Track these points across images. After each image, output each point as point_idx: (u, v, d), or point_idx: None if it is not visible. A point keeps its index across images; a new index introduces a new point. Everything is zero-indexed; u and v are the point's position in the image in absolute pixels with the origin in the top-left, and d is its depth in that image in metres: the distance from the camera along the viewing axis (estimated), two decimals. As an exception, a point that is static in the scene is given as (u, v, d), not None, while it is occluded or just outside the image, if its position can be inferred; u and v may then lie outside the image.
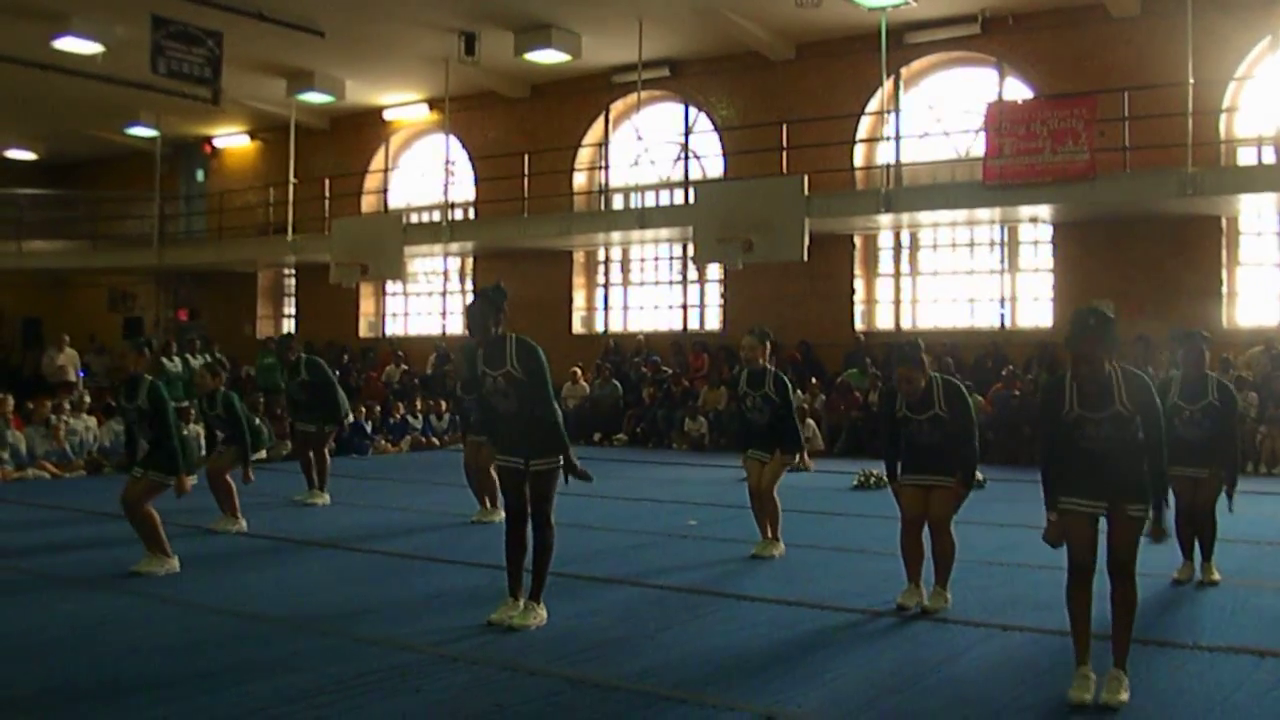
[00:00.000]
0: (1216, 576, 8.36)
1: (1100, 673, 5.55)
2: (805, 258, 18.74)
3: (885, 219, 20.46)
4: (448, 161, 25.20)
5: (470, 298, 7.62)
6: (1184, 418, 8.30)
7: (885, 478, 7.87)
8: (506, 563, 7.19)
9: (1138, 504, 5.58)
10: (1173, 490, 8.54)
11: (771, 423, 9.44)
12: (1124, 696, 5.44)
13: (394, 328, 29.14)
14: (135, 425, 8.93)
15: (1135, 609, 5.64)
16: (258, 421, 11.51)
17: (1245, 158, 19.11)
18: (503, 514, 7.54)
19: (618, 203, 24.84)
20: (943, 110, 21.79)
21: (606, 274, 25.96)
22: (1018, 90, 20.73)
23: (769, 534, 9.52)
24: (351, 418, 13.88)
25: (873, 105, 21.77)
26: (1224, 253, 19.15)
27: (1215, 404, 8.27)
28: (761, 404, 9.39)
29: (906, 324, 22.06)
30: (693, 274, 24.47)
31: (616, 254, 25.71)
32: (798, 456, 9.84)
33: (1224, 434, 8.36)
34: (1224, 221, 19.10)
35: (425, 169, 27.84)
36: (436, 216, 25.55)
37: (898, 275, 22.56)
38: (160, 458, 8.74)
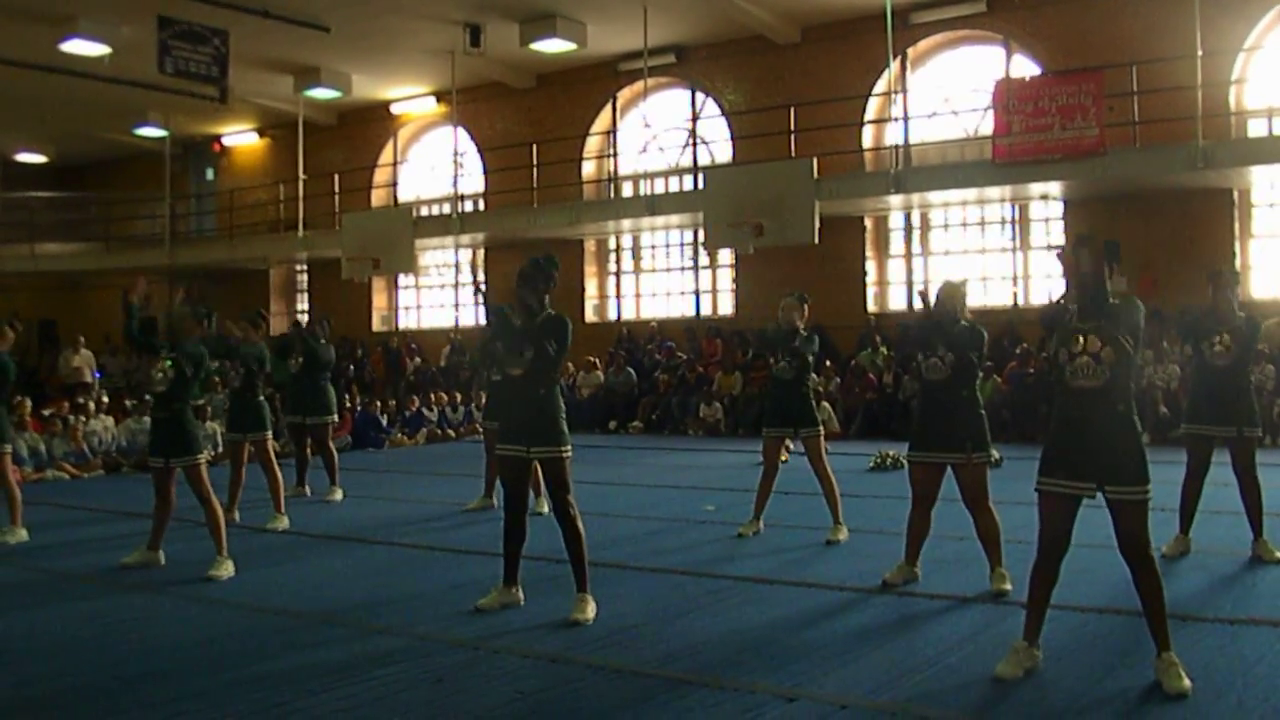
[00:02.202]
0: (1275, 553, 8.13)
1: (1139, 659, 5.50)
2: (816, 241, 18.70)
3: (895, 200, 20.43)
4: (456, 154, 25.21)
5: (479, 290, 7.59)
6: (1212, 342, 8.29)
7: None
8: (503, 550, 7.20)
9: (1131, 486, 5.40)
10: (1188, 450, 8.52)
11: (793, 384, 9.51)
12: (1186, 683, 5.24)
13: (407, 321, 29.19)
14: (154, 380, 8.70)
15: (1163, 591, 5.48)
16: (262, 400, 11.48)
17: (1256, 129, 19.00)
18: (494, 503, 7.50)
19: (627, 190, 24.82)
20: (950, 89, 21.73)
21: (618, 262, 25.97)
22: (1025, 67, 20.64)
23: (833, 519, 9.53)
24: (336, 417, 13.70)
25: (880, 86, 21.72)
26: (1237, 225, 19.07)
27: (1242, 328, 8.28)
28: (790, 357, 9.50)
29: (919, 304, 21.97)
30: (704, 260, 24.47)
31: (627, 242, 25.71)
32: (822, 428, 9.83)
33: (1249, 376, 8.44)
34: (1236, 194, 19.00)
35: (434, 162, 27.87)
36: (446, 209, 25.59)
37: (909, 256, 22.53)
38: (178, 441, 8.65)
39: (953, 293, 7.65)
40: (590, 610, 6.89)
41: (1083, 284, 5.54)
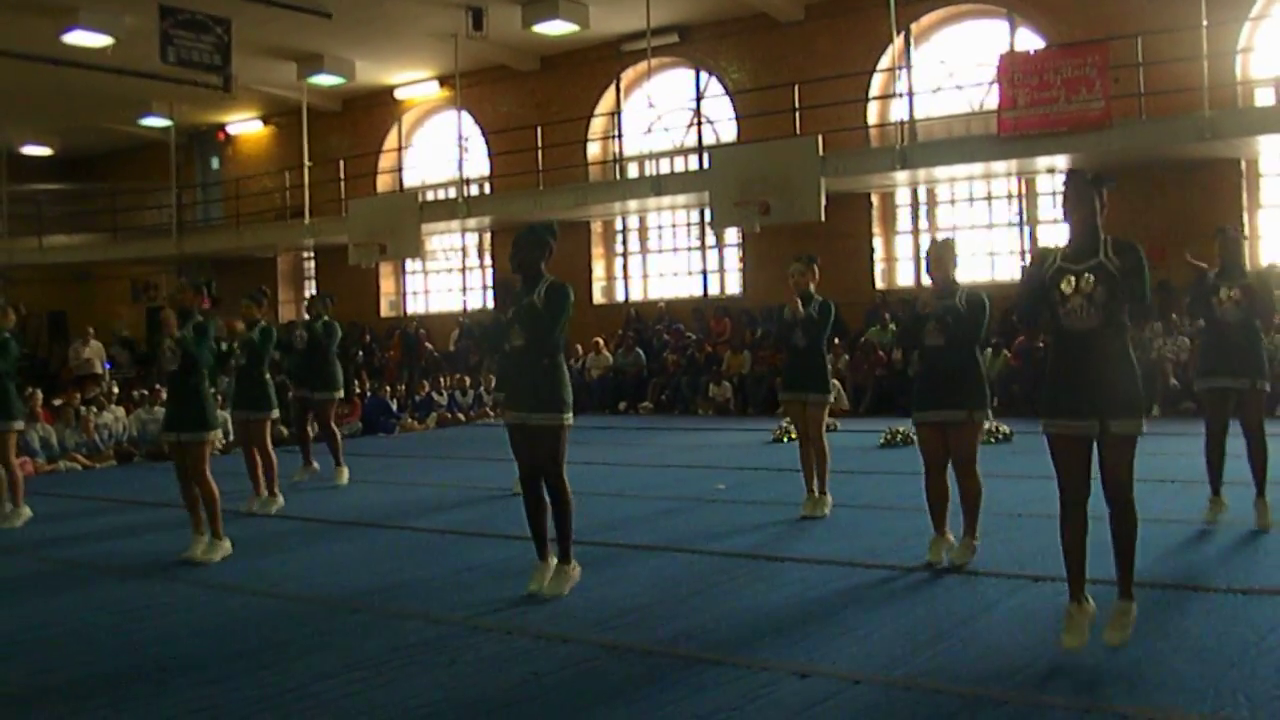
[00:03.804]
0: (1269, 520, 8.10)
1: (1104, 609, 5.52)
2: (823, 218, 18.67)
3: (901, 176, 20.38)
4: (461, 138, 25.19)
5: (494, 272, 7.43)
6: (1221, 298, 8.23)
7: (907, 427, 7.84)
8: (529, 527, 7.16)
9: (1127, 419, 5.38)
10: (1205, 406, 8.46)
11: (808, 350, 9.43)
12: (1128, 633, 5.36)
13: (415, 306, 29.20)
14: (165, 359, 8.65)
15: (1136, 534, 5.47)
16: (269, 379, 11.45)
17: (1262, 99, 18.90)
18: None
19: (632, 171, 24.80)
20: (955, 64, 21.65)
21: (624, 243, 25.96)
22: (1029, 40, 20.57)
23: (815, 490, 9.49)
24: (343, 393, 13.64)
25: (884, 62, 21.65)
26: (1244, 195, 19.00)
27: (1253, 284, 8.23)
28: (806, 324, 9.39)
29: (927, 280, 21.90)
30: (711, 239, 24.44)
31: (634, 222, 25.68)
32: (833, 396, 9.76)
33: (1259, 330, 8.34)
34: (1243, 164, 18.94)
35: (439, 146, 27.86)
36: (452, 193, 25.59)
37: (916, 232, 22.48)
38: (190, 414, 8.62)
39: (943, 252, 7.59)
40: (569, 583, 6.94)
41: (1070, 237, 5.55)
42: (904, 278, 22.50)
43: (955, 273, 7.56)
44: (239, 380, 11.53)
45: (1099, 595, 6.03)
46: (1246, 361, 8.20)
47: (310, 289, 30.81)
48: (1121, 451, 5.43)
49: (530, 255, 6.99)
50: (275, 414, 11.52)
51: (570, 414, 7.00)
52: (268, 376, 11.43)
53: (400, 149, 28.45)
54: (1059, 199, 5.65)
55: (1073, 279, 5.45)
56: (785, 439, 14.55)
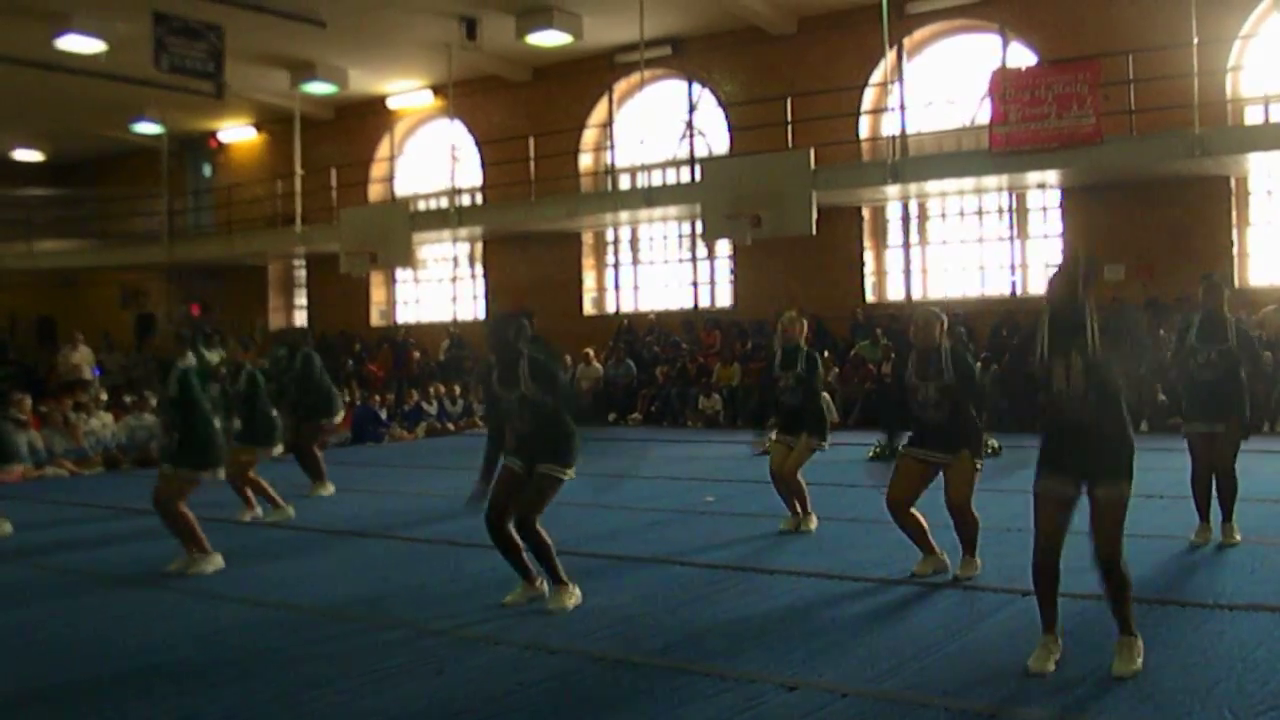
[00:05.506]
0: (1237, 537, 8.31)
1: (1109, 640, 5.52)
2: (814, 231, 18.68)
3: (893, 190, 20.41)
4: (453, 147, 25.19)
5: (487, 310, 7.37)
6: (1200, 360, 8.31)
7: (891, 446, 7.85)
8: (505, 558, 7.12)
9: (1114, 482, 5.40)
10: (1189, 448, 8.56)
11: (802, 403, 9.41)
12: (1138, 664, 5.36)
13: (405, 315, 29.16)
14: (165, 412, 8.63)
15: (1127, 592, 5.47)
16: (273, 413, 11.36)
17: (1252, 116, 18.98)
18: None
19: (624, 183, 24.75)
20: (947, 79, 21.71)
21: (616, 254, 25.96)
22: (1021, 56, 20.63)
23: (799, 510, 9.51)
24: (341, 417, 13.58)
25: (876, 76, 21.69)
26: (1234, 213, 19.07)
27: (1234, 349, 8.27)
28: (794, 385, 9.37)
29: (917, 294, 22.02)
30: (702, 251, 24.46)
31: (625, 234, 25.70)
32: (824, 442, 9.63)
33: (1240, 378, 8.35)
34: (1233, 181, 19.01)
35: (431, 156, 27.84)
36: (444, 203, 25.56)
37: (907, 246, 22.51)
38: (190, 452, 8.48)
39: (930, 319, 7.49)
40: (571, 599, 6.94)
41: (1056, 321, 5.54)
42: (894, 292, 22.53)
43: (942, 341, 7.45)
44: (243, 418, 11.36)
45: (1090, 611, 6.05)
46: (1225, 407, 8.32)
47: (301, 298, 30.79)
48: (1109, 515, 5.43)
49: (506, 338, 6.98)
50: (272, 450, 11.41)
51: (573, 470, 6.99)
52: (272, 412, 11.31)
53: (392, 158, 28.43)
54: (1046, 213, 5.69)
55: (1063, 359, 5.45)
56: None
